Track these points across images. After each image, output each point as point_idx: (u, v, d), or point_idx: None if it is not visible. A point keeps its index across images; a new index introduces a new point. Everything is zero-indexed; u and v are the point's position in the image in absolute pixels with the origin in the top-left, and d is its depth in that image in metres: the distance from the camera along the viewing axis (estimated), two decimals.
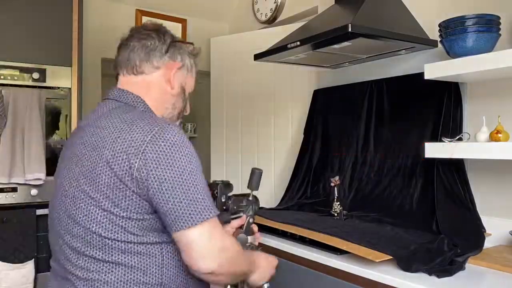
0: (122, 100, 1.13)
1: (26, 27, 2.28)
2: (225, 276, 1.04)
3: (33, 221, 2.22)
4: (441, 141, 1.64)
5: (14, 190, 2.22)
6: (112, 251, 0.99)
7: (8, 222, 2.16)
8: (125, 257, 0.99)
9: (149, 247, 1.01)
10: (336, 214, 2.07)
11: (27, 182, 2.21)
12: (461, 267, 1.42)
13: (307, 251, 1.71)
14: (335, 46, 1.89)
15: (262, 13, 3.10)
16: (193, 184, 0.97)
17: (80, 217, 1.00)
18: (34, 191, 2.25)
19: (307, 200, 2.38)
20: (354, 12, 1.80)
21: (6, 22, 2.23)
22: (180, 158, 0.97)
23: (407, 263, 1.42)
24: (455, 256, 1.47)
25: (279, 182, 2.80)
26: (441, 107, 1.85)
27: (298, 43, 1.90)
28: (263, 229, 1.86)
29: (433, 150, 1.65)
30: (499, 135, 1.49)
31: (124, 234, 0.98)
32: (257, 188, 1.37)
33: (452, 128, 1.80)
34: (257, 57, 2.20)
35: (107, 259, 0.99)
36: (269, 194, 2.82)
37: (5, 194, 2.20)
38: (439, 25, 1.67)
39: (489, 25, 1.54)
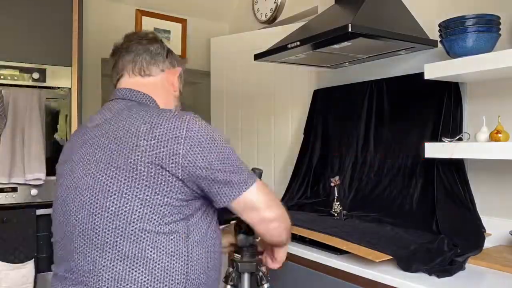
0: (134, 99, 1.17)
1: (26, 27, 2.28)
2: (285, 226, 1.19)
3: (33, 221, 2.22)
4: (441, 141, 1.64)
5: (14, 190, 2.22)
6: (142, 245, 1.00)
7: (8, 222, 2.16)
8: (154, 253, 1.01)
9: (177, 242, 1.03)
10: (336, 214, 2.07)
11: (27, 182, 2.21)
12: (461, 267, 1.42)
13: (307, 251, 1.71)
14: (335, 46, 1.89)
15: (262, 13, 3.10)
16: (234, 158, 1.09)
17: (113, 209, 1.00)
18: (34, 191, 2.25)
19: (307, 200, 2.39)
20: (354, 12, 1.80)
21: (6, 22, 2.23)
22: (217, 139, 1.06)
23: (407, 263, 1.42)
24: (455, 256, 1.47)
25: (279, 182, 2.80)
26: (441, 107, 1.85)
27: (298, 43, 1.90)
28: None
29: (433, 150, 1.65)
30: (499, 135, 1.49)
31: (159, 222, 1.01)
32: None
33: (452, 128, 1.81)
34: (257, 57, 2.20)
35: (135, 253, 1.00)
36: None
37: (5, 194, 2.20)
38: (439, 25, 1.67)
39: (489, 25, 1.54)
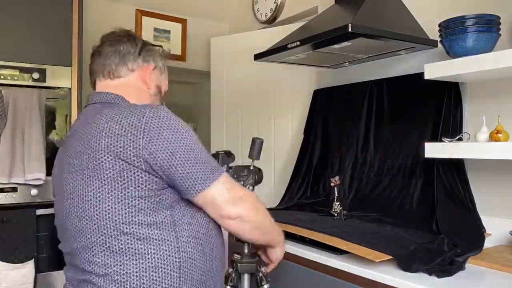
0: (105, 101, 1.19)
1: (26, 27, 2.28)
2: (254, 224, 1.14)
3: (33, 221, 2.22)
4: (441, 141, 1.64)
5: (14, 190, 2.22)
6: (127, 238, 1.01)
7: (8, 222, 2.16)
8: (140, 244, 1.02)
9: (163, 230, 1.04)
10: (336, 214, 2.07)
11: (27, 182, 2.21)
12: (461, 267, 1.42)
13: (307, 251, 1.71)
14: (335, 46, 1.89)
15: (262, 13, 3.10)
16: (199, 149, 1.06)
17: (92, 210, 1.02)
18: (34, 191, 2.25)
19: (307, 200, 2.39)
20: (354, 12, 1.80)
21: (6, 22, 2.23)
22: (180, 129, 1.04)
23: (407, 263, 1.42)
24: (455, 256, 1.47)
25: (279, 182, 2.80)
26: (441, 107, 1.85)
27: (298, 43, 1.90)
28: None
29: (433, 150, 1.65)
30: (499, 135, 1.49)
31: (138, 215, 1.01)
32: (258, 158, 1.38)
33: (452, 128, 1.81)
34: (257, 57, 2.20)
35: (123, 248, 1.01)
36: (269, 194, 2.82)
37: (5, 194, 2.20)
38: (439, 25, 1.67)
39: (489, 25, 1.54)
